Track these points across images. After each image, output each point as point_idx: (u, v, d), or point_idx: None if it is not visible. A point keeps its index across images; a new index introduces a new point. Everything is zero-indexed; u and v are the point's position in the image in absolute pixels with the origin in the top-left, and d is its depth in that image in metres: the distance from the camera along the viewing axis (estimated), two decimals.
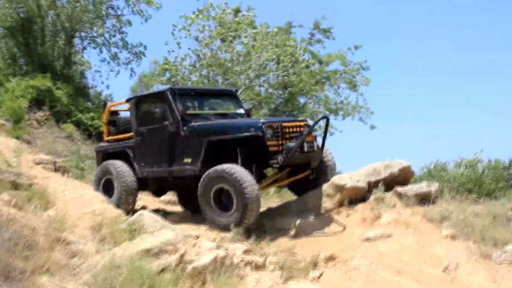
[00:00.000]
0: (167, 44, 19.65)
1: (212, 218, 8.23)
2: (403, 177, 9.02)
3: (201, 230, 8.21)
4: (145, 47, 21.60)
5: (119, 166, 9.65)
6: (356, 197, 8.65)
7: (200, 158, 8.61)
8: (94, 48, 21.38)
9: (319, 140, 9.14)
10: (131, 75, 21.99)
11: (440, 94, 55.16)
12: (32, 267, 4.89)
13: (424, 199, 8.41)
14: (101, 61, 21.57)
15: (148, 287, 4.80)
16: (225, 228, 7.94)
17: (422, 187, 8.57)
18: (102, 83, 23.23)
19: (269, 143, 8.22)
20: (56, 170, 12.95)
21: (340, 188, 8.64)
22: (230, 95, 10.55)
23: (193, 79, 19.07)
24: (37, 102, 17.02)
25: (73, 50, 21.19)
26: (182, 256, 5.77)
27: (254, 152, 8.40)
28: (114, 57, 21.23)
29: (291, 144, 8.28)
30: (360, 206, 8.49)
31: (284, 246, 7.44)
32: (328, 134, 8.85)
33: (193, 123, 8.97)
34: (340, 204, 8.59)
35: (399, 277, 6.41)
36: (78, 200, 7.65)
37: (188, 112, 9.15)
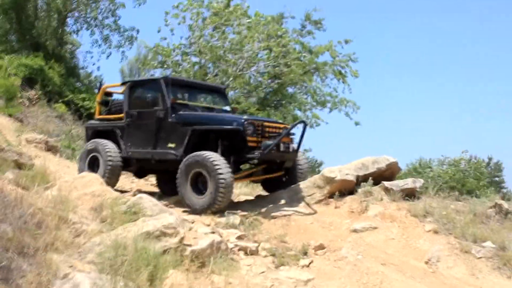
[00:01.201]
0: (159, 31, 19.78)
1: (188, 200, 8.71)
2: (390, 172, 9.42)
3: (195, 215, 8.49)
4: (137, 31, 21.71)
5: (106, 144, 10.10)
6: (345, 189, 9.03)
7: (183, 144, 9.10)
8: (87, 29, 21.41)
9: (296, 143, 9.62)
10: (122, 58, 22.07)
11: (429, 89, 55.85)
12: (42, 244, 5.14)
13: (409, 194, 8.83)
14: (93, 43, 21.61)
15: (153, 267, 5.09)
16: (197, 211, 8.49)
17: (407, 183, 8.98)
18: (93, 64, 23.28)
19: (248, 138, 8.73)
20: (48, 149, 13.14)
21: (330, 180, 9.01)
22: (219, 92, 11.19)
23: (185, 65, 19.22)
24: (29, 81, 17.12)
25: (65, 30, 21.18)
26: (181, 239, 6.04)
27: (233, 145, 8.91)
28: (106, 39, 21.27)
29: (269, 141, 8.78)
30: (349, 199, 8.86)
31: (276, 233, 7.74)
32: (304, 138, 9.44)
33: (181, 112, 9.44)
34: (330, 196, 8.97)
35: (384, 267, 6.74)
36: (78, 181, 7.83)
37: (178, 101, 9.66)
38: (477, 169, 10.30)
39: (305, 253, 7.14)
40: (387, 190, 8.83)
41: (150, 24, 49.55)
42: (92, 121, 11.50)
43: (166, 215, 6.51)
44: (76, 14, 21.42)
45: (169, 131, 9.43)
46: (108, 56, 21.85)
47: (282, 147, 8.98)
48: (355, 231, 7.89)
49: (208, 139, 9.13)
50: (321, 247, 7.34)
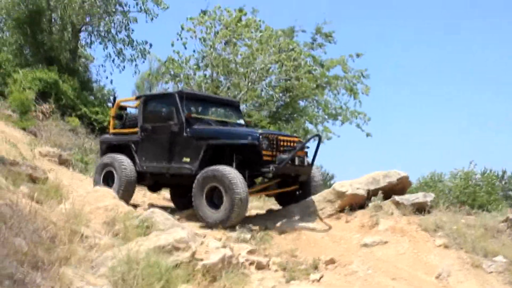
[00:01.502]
0: (173, 45, 19.98)
1: (202, 214, 8.73)
2: (401, 187, 9.44)
3: (207, 229, 8.57)
4: (150, 45, 21.92)
5: (121, 159, 10.14)
6: (355, 203, 9.07)
7: (198, 159, 9.10)
8: (100, 43, 21.66)
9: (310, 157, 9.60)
10: (135, 72, 22.26)
11: (440, 100, 55.65)
12: (56, 258, 5.22)
13: (420, 208, 8.83)
14: (106, 56, 21.85)
15: (165, 281, 5.15)
16: (211, 224, 8.53)
17: (418, 197, 8.99)
18: (106, 78, 23.53)
19: (263, 152, 8.76)
20: (61, 163, 13.27)
21: (340, 195, 9.05)
22: (232, 106, 11.19)
23: (197, 79, 19.40)
24: (43, 95, 17.31)
25: (79, 44, 21.44)
26: (193, 253, 6.11)
27: (248, 159, 8.95)
28: (119, 53, 21.50)
29: (284, 155, 8.80)
30: (359, 213, 8.89)
31: (287, 248, 7.79)
32: (318, 152, 9.34)
33: (195, 126, 9.47)
34: (341, 210, 9.00)
35: (394, 282, 6.77)
36: (90, 195, 7.94)
37: (193, 115, 9.70)
38: (488, 183, 10.32)
39: (316, 268, 7.18)
40: (397, 204, 8.84)
41: (162, 38, 49.84)
42: (107, 135, 11.57)
43: (178, 230, 6.59)
44: (90, 28, 21.72)
45: (184, 146, 9.45)
46: (122, 70, 22.08)
47: (296, 161, 9.00)
48: (365, 245, 7.91)
49: (223, 153, 9.16)
50: (331, 261, 7.37)
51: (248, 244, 7.73)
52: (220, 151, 9.16)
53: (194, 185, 8.81)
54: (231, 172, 8.41)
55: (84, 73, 22.25)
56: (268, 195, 10.72)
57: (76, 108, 18.11)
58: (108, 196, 8.04)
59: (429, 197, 9.14)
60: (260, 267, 7.05)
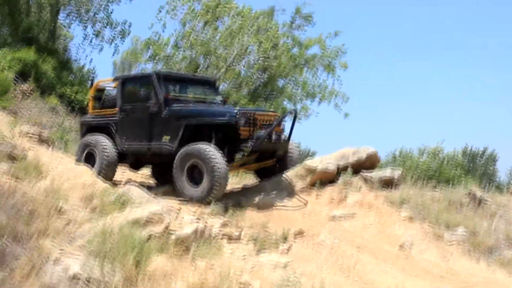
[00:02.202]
0: (151, 27, 20.05)
1: (183, 190, 8.99)
2: (370, 162, 9.80)
3: (182, 204, 8.87)
4: (129, 24, 21.83)
5: (101, 139, 10.31)
6: (326, 179, 9.43)
7: (178, 137, 9.33)
8: (79, 23, 21.57)
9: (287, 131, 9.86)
10: (114, 52, 22.20)
11: (415, 80, 56.19)
12: (35, 231, 5.50)
13: (387, 183, 9.22)
14: (85, 37, 21.74)
15: (138, 252, 5.45)
16: (194, 200, 8.75)
17: (386, 172, 9.37)
18: (86, 57, 23.48)
19: (241, 129, 8.98)
20: (41, 141, 13.39)
21: (311, 171, 9.40)
22: (209, 84, 11.35)
23: (176, 59, 19.50)
24: (22, 74, 17.28)
25: (57, 24, 21.37)
26: (167, 226, 6.41)
27: (227, 136, 9.16)
28: (98, 34, 21.45)
29: (261, 132, 9.06)
30: (329, 188, 9.26)
31: (258, 221, 8.13)
32: (294, 127, 9.63)
33: (174, 106, 9.64)
34: (311, 185, 9.36)
35: (359, 251, 7.17)
36: (69, 172, 8.17)
37: (170, 95, 9.83)
38: (453, 159, 10.68)
39: (285, 239, 7.54)
40: (366, 179, 9.22)
41: (143, 18, 49.62)
42: (86, 117, 11.67)
43: (152, 204, 6.90)
44: (69, 8, 21.59)
45: (163, 125, 9.62)
46: (100, 50, 21.92)
47: (273, 137, 9.27)
48: (333, 218, 8.30)
49: (202, 131, 9.33)
50: (300, 233, 7.74)
51: (221, 218, 8.05)
52: (199, 130, 9.36)
53: (174, 163, 9.05)
54: (210, 150, 8.66)
55: (63, 52, 22.17)
56: (247, 170, 10.94)
57: (56, 88, 18.08)
58: (87, 173, 8.30)
59: (397, 172, 9.51)
60: (232, 239, 7.39)
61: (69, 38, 23.07)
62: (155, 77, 9.90)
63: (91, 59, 25.60)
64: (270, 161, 9.96)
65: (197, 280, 5.40)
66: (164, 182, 10.83)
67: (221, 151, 8.73)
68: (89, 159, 10.39)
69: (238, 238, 7.47)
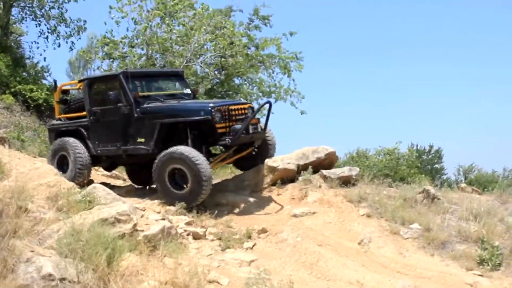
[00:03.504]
0: (105, 24, 19.88)
1: (167, 194, 8.83)
2: (328, 161, 10.11)
3: (146, 203, 8.99)
4: (85, 21, 21.58)
5: (74, 143, 9.99)
6: (286, 177, 9.69)
7: (153, 138, 9.17)
8: (33, 19, 21.20)
9: (262, 121, 9.84)
10: (71, 48, 21.91)
11: (371, 78, 57.34)
12: (5, 231, 5.54)
13: (346, 181, 9.53)
14: (40, 33, 21.39)
15: (111, 250, 5.55)
16: (183, 204, 8.51)
17: (344, 171, 9.69)
18: (40, 54, 23.15)
19: (217, 125, 8.88)
20: None
21: (273, 169, 9.64)
22: (177, 76, 11.03)
23: (131, 57, 19.39)
24: None
25: (11, 19, 20.97)
26: (135, 225, 6.53)
27: (203, 133, 9.05)
28: (54, 30, 21.14)
29: (237, 126, 8.93)
30: (290, 186, 9.52)
31: (222, 219, 8.32)
32: (270, 117, 9.68)
33: (145, 105, 9.43)
34: (273, 184, 9.60)
35: (320, 248, 7.43)
36: (32, 172, 8.13)
37: (140, 94, 9.59)
38: (408, 158, 11.11)
39: (249, 237, 7.75)
40: (325, 178, 9.49)
41: (101, 12, 48.90)
42: (54, 122, 11.30)
43: (119, 203, 6.99)
44: (22, 4, 21.19)
45: (137, 126, 9.42)
46: (58, 47, 21.40)
47: (250, 130, 9.20)
48: (295, 216, 8.54)
49: (177, 129, 9.19)
50: (263, 231, 7.96)
51: (186, 216, 8.20)
52: (174, 128, 9.21)
53: (154, 168, 8.84)
54: (192, 153, 8.46)
55: (17, 49, 21.80)
56: (226, 164, 10.86)
57: (10, 86, 17.76)
58: (50, 173, 8.27)
59: (354, 171, 9.85)
60: (197, 237, 7.56)
61: (22, 35, 22.67)
62: (123, 77, 9.59)
63: (45, 57, 25.16)
64: (249, 150, 9.90)
65: (168, 278, 5.55)
66: (139, 182, 10.81)
67: (199, 150, 8.63)
68: (62, 162, 10.11)
69: (203, 236, 7.64)
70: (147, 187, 10.83)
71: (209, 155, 9.27)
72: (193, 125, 9.02)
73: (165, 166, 8.73)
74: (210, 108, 8.90)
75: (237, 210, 8.91)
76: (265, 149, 10.02)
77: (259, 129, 9.57)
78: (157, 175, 8.84)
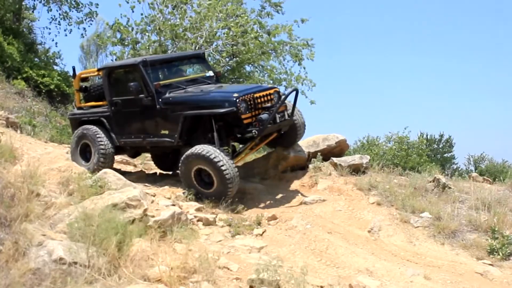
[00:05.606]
0: (120, 6, 19.85)
1: (196, 191, 8.54)
2: (339, 149, 10.11)
3: (156, 189, 9.02)
4: (97, 5, 21.53)
5: (96, 134, 9.82)
6: (297, 165, 9.67)
7: (177, 130, 8.94)
8: (44, 5, 21.22)
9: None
10: (82, 34, 21.94)
11: (385, 67, 57.11)
12: (17, 215, 5.59)
13: (356, 169, 9.54)
14: (51, 20, 21.41)
15: (121, 235, 5.58)
16: (212, 199, 8.33)
17: (355, 159, 9.69)
18: (52, 40, 23.17)
19: (243, 116, 8.56)
20: (8, 125, 13.30)
21: (283, 157, 9.63)
22: (198, 58, 10.63)
23: (144, 43, 19.41)
24: None
25: (23, 5, 21.02)
26: (145, 210, 6.55)
27: (229, 124, 8.79)
28: (66, 16, 21.18)
29: (264, 115, 8.60)
30: (300, 174, 9.54)
31: (232, 206, 8.34)
32: (296, 103, 9.18)
33: (167, 95, 9.13)
34: (283, 171, 9.60)
35: (330, 235, 7.44)
36: (44, 157, 8.20)
37: (161, 83, 9.25)
38: (418, 147, 11.06)
39: (259, 224, 7.76)
40: (335, 165, 9.50)
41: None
42: (75, 111, 11.01)
43: (130, 189, 7.00)
44: None
45: (160, 118, 9.18)
46: (69, 33, 21.43)
47: (278, 119, 8.85)
48: (305, 203, 8.55)
49: (201, 120, 8.97)
50: (273, 218, 7.98)
51: (196, 203, 8.23)
52: (198, 120, 8.98)
53: (180, 166, 8.60)
54: (215, 154, 8.21)
55: (29, 35, 21.86)
56: (255, 152, 10.41)
57: (22, 71, 17.77)
58: (61, 157, 8.34)
59: (365, 159, 9.84)
60: (207, 223, 7.58)
61: (34, 21, 22.74)
62: (143, 66, 9.24)
63: (56, 42, 25.24)
64: (275, 135, 9.47)
65: (178, 264, 5.57)
66: (165, 168, 10.86)
67: (225, 144, 8.54)
68: (85, 150, 10.04)
69: (213, 222, 7.66)
70: (171, 172, 10.88)
71: (234, 149, 9.11)
72: (217, 117, 8.73)
73: (190, 166, 8.49)
74: (234, 99, 8.54)
75: (247, 197, 8.92)
76: (293, 130, 9.59)
77: (286, 116, 9.16)
78: (184, 174, 8.63)
